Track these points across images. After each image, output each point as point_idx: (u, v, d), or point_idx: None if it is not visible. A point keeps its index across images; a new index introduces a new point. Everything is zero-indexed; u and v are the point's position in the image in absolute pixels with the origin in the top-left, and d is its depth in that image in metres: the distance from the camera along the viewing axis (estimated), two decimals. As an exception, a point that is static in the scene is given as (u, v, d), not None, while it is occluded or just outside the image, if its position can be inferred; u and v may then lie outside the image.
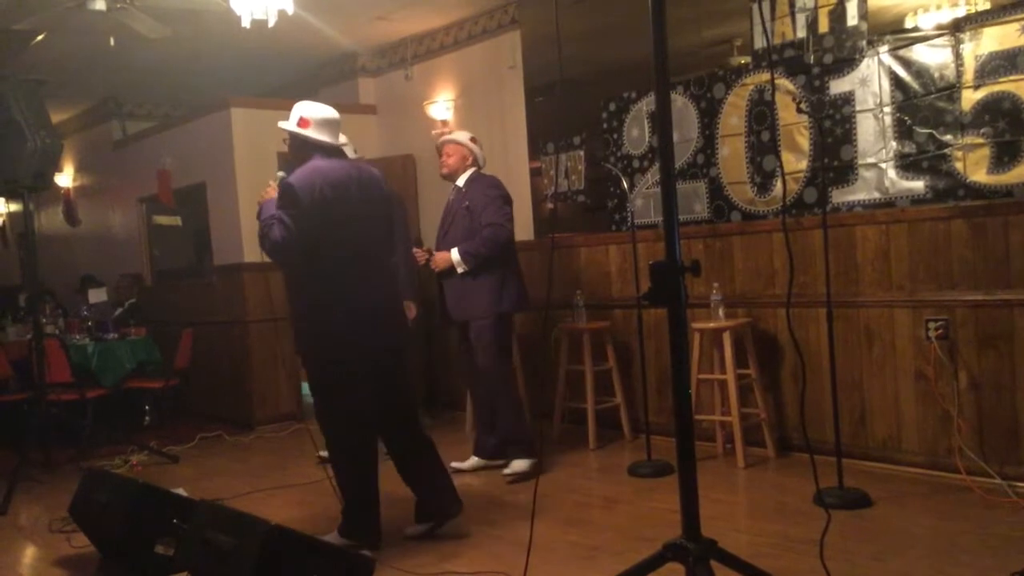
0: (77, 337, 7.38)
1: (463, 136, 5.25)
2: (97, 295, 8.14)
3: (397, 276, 4.27)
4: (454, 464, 5.22)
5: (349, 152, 5.86)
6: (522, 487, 4.81)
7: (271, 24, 5.17)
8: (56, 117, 6.62)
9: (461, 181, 5.17)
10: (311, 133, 3.87)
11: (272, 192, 3.86)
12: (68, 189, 10.14)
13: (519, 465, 4.96)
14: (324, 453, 5.43)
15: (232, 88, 7.96)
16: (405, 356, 4.10)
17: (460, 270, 5.00)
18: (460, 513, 4.07)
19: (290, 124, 3.90)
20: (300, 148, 3.91)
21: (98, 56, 7.17)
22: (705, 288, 5.12)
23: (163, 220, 8.88)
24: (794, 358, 4.98)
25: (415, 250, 5.32)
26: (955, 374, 4.35)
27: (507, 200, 5.13)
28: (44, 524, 4.67)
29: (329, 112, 3.94)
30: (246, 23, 5.15)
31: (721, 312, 5.02)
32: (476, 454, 5.25)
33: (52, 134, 5.58)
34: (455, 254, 5.00)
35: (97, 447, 6.31)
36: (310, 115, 3.88)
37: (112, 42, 6.36)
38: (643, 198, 5.73)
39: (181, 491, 4.19)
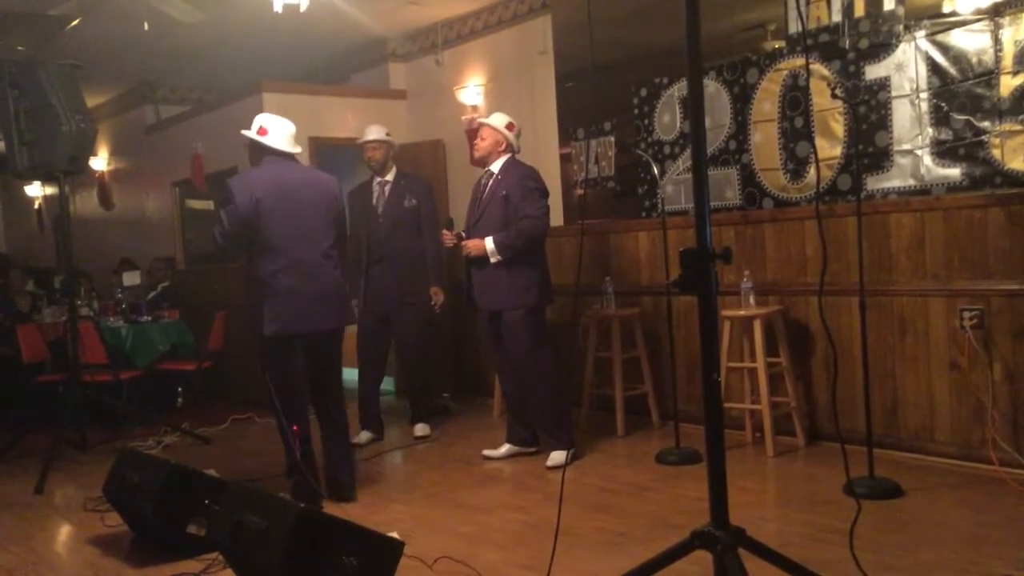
0: (111, 319, 7.48)
1: (499, 121, 5.15)
2: (131, 278, 8.24)
3: (340, 265, 4.59)
4: (486, 452, 5.23)
5: (379, 134, 5.94)
6: (551, 473, 4.81)
7: (303, 9, 5.19)
8: (91, 101, 6.67)
9: (495, 167, 5.11)
10: (266, 140, 4.40)
11: None
12: (102, 173, 10.26)
13: (559, 457, 4.88)
14: (358, 440, 5.50)
15: (264, 73, 7.99)
16: (337, 340, 4.57)
17: (493, 260, 4.95)
18: (348, 501, 4.46)
19: (251, 132, 4.43)
20: (255, 152, 4.48)
21: (132, 41, 7.23)
22: (736, 275, 5.08)
23: (196, 204, 8.95)
24: (826, 347, 4.94)
25: (444, 232, 5.26)
26: (990, 364, 4.30)
27: (544, 193, 5.09)
28: (78, 503, 4.75)
29: (285, 124, 4.47)
30: (278, 8, 5.17)
31: (752, 300, 4.99)
32: (509, 441, 5.23)
33: (87, 118, 5.63)
34: (489, 243, 4.94)
35: (131, 428, 6.41)
36: (268, 125, 4.43)
37: (146, 27, 6.41)
38: (674, 184, 5.70)
39: (212, 472, 4.24)
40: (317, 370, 4.50)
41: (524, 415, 5.17)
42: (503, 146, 5.11)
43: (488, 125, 5.15)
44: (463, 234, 5.15)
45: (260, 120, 4.46)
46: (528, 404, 5.09)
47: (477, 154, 5.19)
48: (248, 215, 4.26)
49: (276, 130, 4.41)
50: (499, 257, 4.94)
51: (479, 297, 5.10)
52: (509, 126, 5.14)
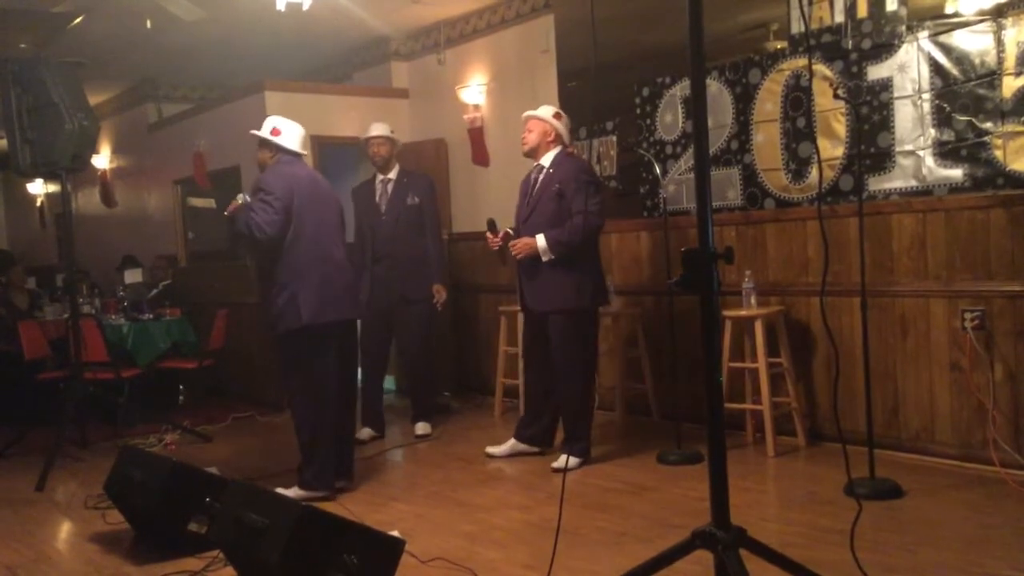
0: (113, 317, 7.49)
1: (546, 111, 4.96)
2: (133, 276, 8.24)
3: (353, 258, 4.88)
4: (489, 449, 5.21)
5: (384, 130, 5.96)
6: (552, 472, 4.81)
7: (306, 8, 5.19)
8: (93, 99, 6.68)
9: (546, 160, 4.91)
10: (280, 140, 4.54)
11: (236, 207, 4.44)
12: (104, 171, 10.26)
13: (573, 463, 4.75)
14: (359, 436, 5.51)
15: (267, 71, 7.99)
16: (356, 330, 4.84)
17: (545, 258, 4.73)
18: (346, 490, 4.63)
19: (263, 132, 4.55)
20: (265, 151, 4.59)
21: (135, 39, 7.23)
22: (737, 276, 5.08)
23: (198, 202, 8.96)
24: (827, 347, 4.94)
25: (488, 235, 4.98)
26: (991, 365, 4.30)
27: (599, 187, 4.92)
28: (80, 500, 4.76)
29: (297, 126, 4.61)
30: (281, 6, 5.17)
31: (753, 300, 4.99)
32: (516, 437, 5.17)
33: (89, 116, 5.64)
34: (541, 241, 4.72)
35: (132, 426, 6.41)
36: (281, 126, 4.56)
37: (149, 24, 6.41)
38: (676, 184, 5.70)
39: (214, 470, 4.24)
40: (343, 360, 4.61)
41: (539, 417, 5.09)
42: (551, 136, 4.91)
43: (535, 117, 4.96)
44: (511, 232, 4.98)
45: (273, 121, 4.57)
46: (563, 407, 4.94)
47: (524, 148, 4.98)
48: (290, 206, 4.38)
49: (289, 131, 4.55)
50: (551, 255, 4.73)
51: (530, 298, 4.88)
52: (556, 115, 4.97)
